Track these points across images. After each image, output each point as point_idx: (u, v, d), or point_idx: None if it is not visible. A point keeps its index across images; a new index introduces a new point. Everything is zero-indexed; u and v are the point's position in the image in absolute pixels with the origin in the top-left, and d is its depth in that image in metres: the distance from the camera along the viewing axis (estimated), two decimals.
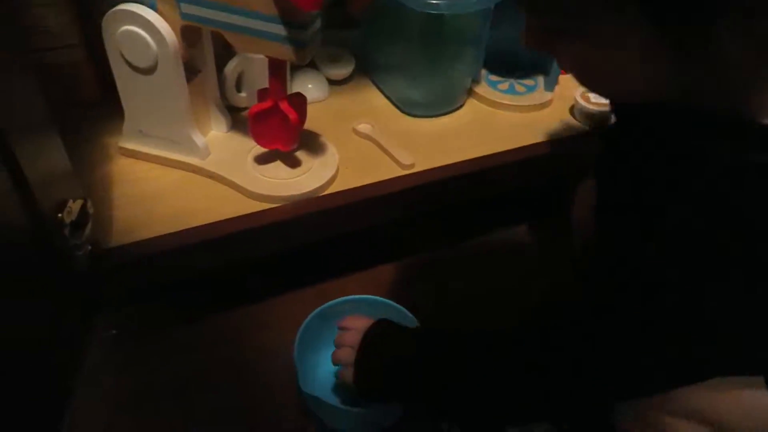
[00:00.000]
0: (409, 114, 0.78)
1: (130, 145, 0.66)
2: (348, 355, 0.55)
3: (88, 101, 0.71)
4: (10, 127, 0.37)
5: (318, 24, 0.55)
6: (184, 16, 0.55)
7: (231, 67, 0.70)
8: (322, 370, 0.65)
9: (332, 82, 0.81)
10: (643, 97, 0.39)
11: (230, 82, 0.71)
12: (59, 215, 0.44)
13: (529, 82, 0.83)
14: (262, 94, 0.61)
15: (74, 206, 0.47)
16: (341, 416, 0.60)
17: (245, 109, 0.74)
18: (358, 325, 0.56)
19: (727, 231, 0.34)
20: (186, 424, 0.62)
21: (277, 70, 0.58)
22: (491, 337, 0.48)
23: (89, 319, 0.54)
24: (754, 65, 0.33)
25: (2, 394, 0.38)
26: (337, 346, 0.58)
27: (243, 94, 0.73)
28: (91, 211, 0.50)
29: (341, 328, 0.58)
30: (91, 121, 0.70)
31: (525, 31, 0.41)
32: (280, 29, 0.53)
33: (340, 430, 0.61)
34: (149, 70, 0.58)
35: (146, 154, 0.66)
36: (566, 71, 0.42)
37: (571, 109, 0.80)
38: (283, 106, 0.60)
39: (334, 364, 0.58)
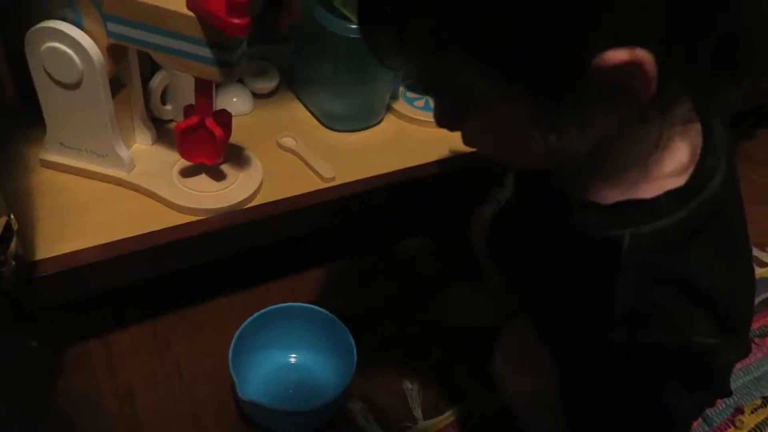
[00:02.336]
0: (331, 128, 0.82)
1: (52, 157, 0.66)
2: None
3: (6, 108, 0.71)
4: None
5: (244, 47, 0.58)
6: (110, 34, 0.57)
7: (156, 81, 0.71)
8: (256, 374, 0.68)
9: (257, 96, 0.83)
10: (531, 167, 0.47)
11: (156, 95, 0.72)
12: None
13: None
14: (189, 110, 0.63)
15: None
16: (277, 418, 0.64)
17: (170, 121, 0.76)
18: None
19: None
20: None
21: (204, 88, 0.60)
22: None
23: (13, 332, 0.54)
24: (589, 155, 0.41)
25: None
26: None
27: (168, 107, 0.75)
28: (15, 227, 0.51)
29: None
30: (9, 131, 0.70)
31: (435, 112, 0.45)
32: (207, 51, 0.55)
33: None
34: (74, 86, 0.59)
35: (69, 167, 0.66)
36: (469, 146, 0.46)
37: None
38: (209, 123, 0.62)
39: None
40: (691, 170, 0.42)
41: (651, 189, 0.41)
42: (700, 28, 0.33)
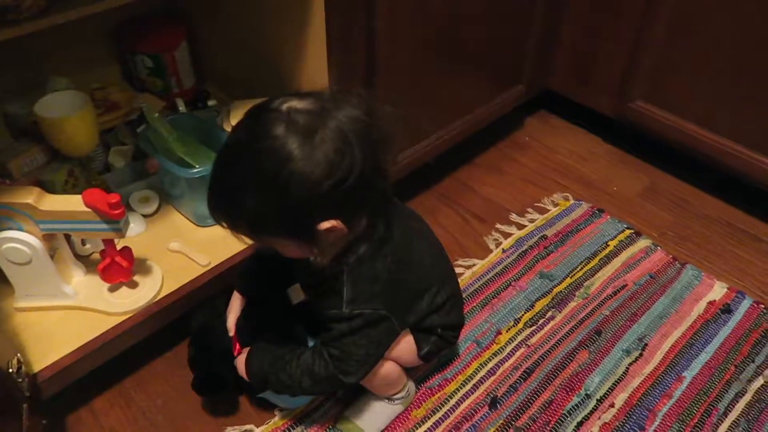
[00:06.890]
0: (202, 226, 1.20)
1: (23, 305, 1.03)
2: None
3: None
4: None
5: (126, 218, 0.96)
6: (43, 229, 0.94)
7: (75, 234, 1.08)
8: None
9: (146, 216, 1.21)
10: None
11: (77, 242, 1.09)
12: (10, 370, 0.83)
13: None
14: (103, 253, 1.01)
15: (14, 361, 0.85)
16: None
17: (92, 254, 1.13)
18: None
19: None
20: None
21: (108, 242, 0.99)
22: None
23: (31, 417, 0.91)
24: (329, 253, 0.83)
25: None
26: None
27: (87, 246, 1.12)
28: (21, 359, 0.88)
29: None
30: None
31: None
32: (104, 226, 0.94)
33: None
34: (27, 263, 0.96)
35: (36, 307, 1.03)
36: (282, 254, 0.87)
37: None
38: (118, 259, 1.01)
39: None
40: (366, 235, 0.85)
41: (349, 249, 0.85)
42: (353, 215, 0.78)
